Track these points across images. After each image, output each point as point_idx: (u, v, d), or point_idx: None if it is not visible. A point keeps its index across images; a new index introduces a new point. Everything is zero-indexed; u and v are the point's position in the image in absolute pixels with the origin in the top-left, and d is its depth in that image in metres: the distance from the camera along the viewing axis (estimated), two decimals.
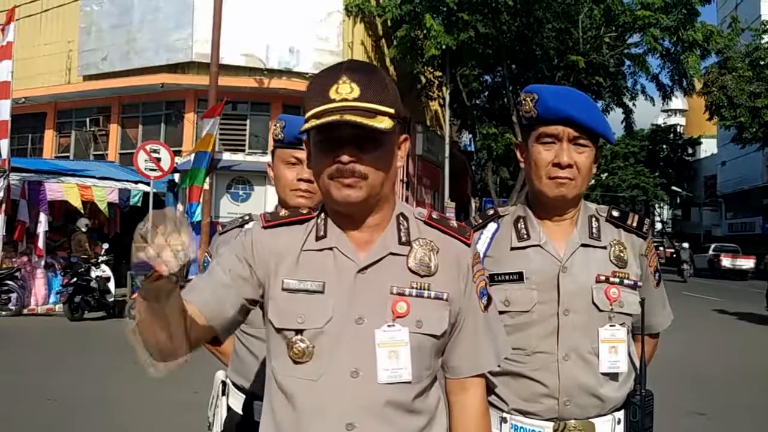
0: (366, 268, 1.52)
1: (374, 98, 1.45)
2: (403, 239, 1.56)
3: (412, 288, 1.52)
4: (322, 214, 1.60)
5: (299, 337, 1.49)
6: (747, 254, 33.36)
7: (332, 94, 1.44)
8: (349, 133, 1.44)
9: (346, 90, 1.44)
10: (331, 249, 1.54)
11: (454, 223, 1.64)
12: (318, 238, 1.56)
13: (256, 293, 1.55)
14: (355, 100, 1.43)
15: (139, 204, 16.24)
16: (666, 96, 26.12)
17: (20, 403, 6.42)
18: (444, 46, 20.59)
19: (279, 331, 1.51)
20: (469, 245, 1.62)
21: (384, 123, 1.43)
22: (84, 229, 15.12)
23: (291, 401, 1.49)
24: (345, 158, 1.45)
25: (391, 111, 1.46)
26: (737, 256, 33.42)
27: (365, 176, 1.46)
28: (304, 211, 1.63)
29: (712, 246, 35.43)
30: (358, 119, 1.40)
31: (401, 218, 1.59)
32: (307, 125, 1.45)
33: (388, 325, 1.49)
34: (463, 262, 1.59)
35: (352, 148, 1.45)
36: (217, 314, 1.49)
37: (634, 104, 27.11)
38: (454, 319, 1.57)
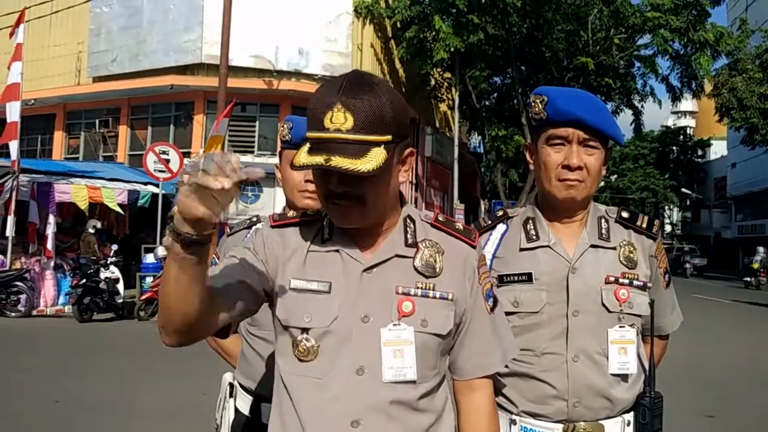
0: (372, 267, 1.53)
1: (368, 128, 1.41)
2: (410, 241, 1.57)
3: (418, 288, 1.53)
4: (328, 217, 1.60)
5: (305, 335, 1.50)
6: (702, 255, 44.78)
7: (326, 123, 1.42)
8: None
9: (340, 120, 1.41)
10: (337, 251, 1.55)
11: (459, 225, 1.64)
12: (324, 241, 1.57)
13: (269, 287, 1.56)
14: (348, 131, 1.40)
15: (147, 205, 16.28)
16: (675, 98, 26.02)
17: (28, 403, 6.43)
18: (452, 49, 20.57)
19: (286, 328, 1.53)
20: (474, 247, 1.62)
21: (373, 162, 1.39)
22: (93, 231, 15.20)
23: (297, 399, 1.50)
24: (336, 188, 1.46)
25: (388, 138, 1.44)
26: (695, 256, 43.21)
27: (362, 199, 1.46)
28: (311, 213, 1.64)
29: (676, 247, 46.02)
30: (344, 164, 1.38)
31: (408, 220, 1.60)
32: (299, 158, 1.44)
33: (394, 324, 1.50)
34: (469, 264, 1.60)
35: (343, 177, 1.44)
36: (235, 298, 1.47)
37: (643, 106, 27.05)
38: (459, 319, 1.58)
